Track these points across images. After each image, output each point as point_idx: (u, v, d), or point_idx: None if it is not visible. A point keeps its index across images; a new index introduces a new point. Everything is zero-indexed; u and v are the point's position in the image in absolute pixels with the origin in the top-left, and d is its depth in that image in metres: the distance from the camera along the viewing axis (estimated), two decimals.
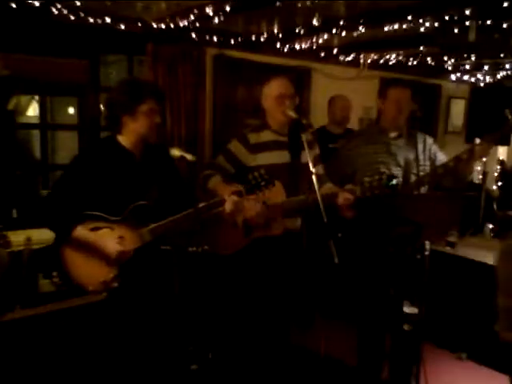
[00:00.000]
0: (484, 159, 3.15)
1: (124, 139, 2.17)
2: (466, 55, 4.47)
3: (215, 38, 3.78)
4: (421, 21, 3.01)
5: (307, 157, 2.16)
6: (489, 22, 2.95)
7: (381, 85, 5.05)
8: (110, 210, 2.11)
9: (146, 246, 2.14)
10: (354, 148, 2.75)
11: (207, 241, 2.77)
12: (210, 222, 2.44)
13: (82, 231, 2.06)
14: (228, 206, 2.23)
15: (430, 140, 2.77)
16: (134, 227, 2.13)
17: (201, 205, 2.19)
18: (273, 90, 2.54)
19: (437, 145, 2.80)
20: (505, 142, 4.91)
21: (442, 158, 2.72)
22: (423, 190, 2.66)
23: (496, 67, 5.05)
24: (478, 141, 2.55)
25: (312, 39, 3.80)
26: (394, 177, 2.34)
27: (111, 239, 2.06)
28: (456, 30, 3.12)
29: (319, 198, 2.07)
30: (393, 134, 2.70)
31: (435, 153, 2.73)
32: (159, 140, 2.27)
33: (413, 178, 2.64)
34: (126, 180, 2.15)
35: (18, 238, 2.92)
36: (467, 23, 2.97)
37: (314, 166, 2.18)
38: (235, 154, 2.58)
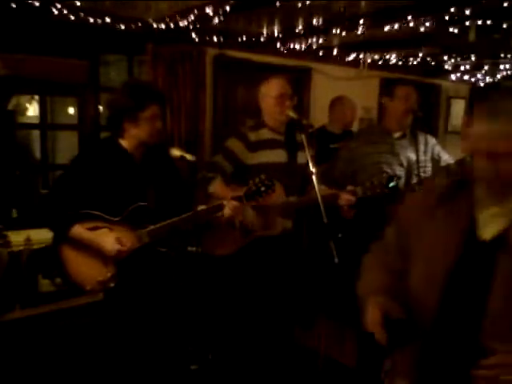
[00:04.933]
0: None
1: (125, 142, 2.18)
2: (465, 55, 4.48)
3: (215, 38, 3.78)
4: (421, 21, 3.01)
5: (306, 157, 2.16)
6: (489, 22, 2.95)
7: (385, 84, 5.06)
8: (110, 210, 2.11)
9: (143, 248, 2.14)
10: (354, 148, 2.74)
11: (203, 242, 2.76)
12: (208, 224, 2.44)
13: (80, 230, 2.07)
14: (227, 212, 2.23)
15: (432, 140, 2.76)
16: (133, 228, 2.13)
17: (200, 208, 2.19)
18: (271, 90, 2.54)
19: (440, 145, 2.80)
20: None
21: (446, 158, 2.72)
22: None
23: (496, 67, 5.05)
24: None
25: (312, 39, 3.80)
26: (393, 178, 2.34)
27: (109, 238, 2.06)
28: (456, 30, 3.12)
29: (319, 198, 2.07)
30: (397, 134, 2.70)
31: (439, 153, 2.72)
32: (159, 141, 2.27)
33: (414, 179, 2.64)
34: (125, 181, 2.15)
35: (17, 238, 2.92)
36: (467, 23, 2.97)
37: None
38: (234, 151, 2.57)
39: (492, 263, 1.13)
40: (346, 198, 2.43)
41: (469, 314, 1.16)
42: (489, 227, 1.18)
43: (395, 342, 1.15)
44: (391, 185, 2.32)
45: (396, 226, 1.42)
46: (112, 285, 2.10)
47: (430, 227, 1.28)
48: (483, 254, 1.17)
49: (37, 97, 4.05)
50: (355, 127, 4.50)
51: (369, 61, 4.80)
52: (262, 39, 3.83)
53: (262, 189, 2.18)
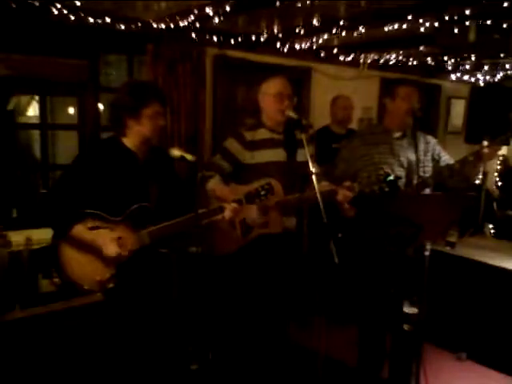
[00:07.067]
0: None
1: (128, 141, 2.18)
2: (466, 55, 4.48)
3: (215, 38, 3.78)
4: (421, 21, 3.01)
5: (306, 156, 2.16)
6: (489, 22, 2.95)
7: (386, 84, 5.06)
8: (111, 210, 2.11)
9: (144, 249, 2.14)
10: (354, 149, 2.74)
11: (203, 242, 2.77)
12: (208, 225, 2.45)
13: (80, 229, 2.06)
14: (227, 214, 2.24)
15: (432, 140, 2.75)
16: (134, 229, 2.13)
17: (201, 211, 2.19)
18: (271, 89, 2.54)
19: (440, 145, 2.79)
20: (505, 142, 4.91)
21: (446, 158, 2.71)
22: (427, 191, 2.64)
23: (496, 67, 5.05)
24: (485, 143, 2.53)
25: (312, 39, 3.80)
26: (391, 174, 2.34)
27: (110, 240, 2.06)
28: (456, 30, 3.12)
29: (319, 197, 2.07)
30: (397, 134, 2.69)
31: (439, 153, 2.72)
32: (160, 141, 2.28)
33: (415, 179, 2.63)
34: (128, 181, 2.15)
35: (17, 238, 2.92)
36: (467, 23, 2.97)
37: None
38: (232, 151, 2.58)
39: None
40: (343, 193, 2.44)
41: None
42: None
43: None
44: (389, 179, 2.31)
45: None
46: (111, 285, 2.10)
47: None
48: None
49: (37, 97, 4.05)
50: (355, 127, 4.51)
51: (369, 61, 4.80)
52: (261, 39, 3.84)
53: (262, 192, 2.24)
